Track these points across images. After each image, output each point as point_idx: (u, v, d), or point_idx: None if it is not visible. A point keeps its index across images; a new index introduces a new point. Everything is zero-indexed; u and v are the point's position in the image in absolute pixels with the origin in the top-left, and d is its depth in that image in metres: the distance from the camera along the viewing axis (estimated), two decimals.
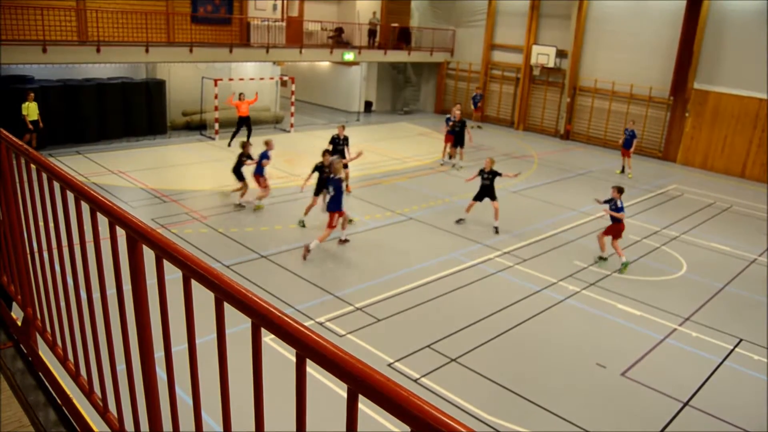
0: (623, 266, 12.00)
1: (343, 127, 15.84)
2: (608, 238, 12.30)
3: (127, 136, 20.36)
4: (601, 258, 12.47)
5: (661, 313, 10.34)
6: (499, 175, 13.69)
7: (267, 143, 14.17)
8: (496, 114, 28.36)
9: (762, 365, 8.91)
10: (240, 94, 19.92)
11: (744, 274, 12.44)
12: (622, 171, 20.43)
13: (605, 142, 24.85)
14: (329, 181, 11.74)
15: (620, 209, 11.99)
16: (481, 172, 13.86)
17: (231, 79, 22.35)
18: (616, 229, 12.14)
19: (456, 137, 19.38)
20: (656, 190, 18.71)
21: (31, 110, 16.86)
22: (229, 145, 20.13)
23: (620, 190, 12.14)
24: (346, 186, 13.83)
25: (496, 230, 13.71)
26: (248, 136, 20.14)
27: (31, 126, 16.89)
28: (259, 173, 14.03)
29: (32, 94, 16.98)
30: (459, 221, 14.08)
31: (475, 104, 26.54)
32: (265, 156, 14.03)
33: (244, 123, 20.22)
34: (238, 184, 14.25)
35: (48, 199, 2.65)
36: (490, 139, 24.83)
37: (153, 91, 20.86)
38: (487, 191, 13.84)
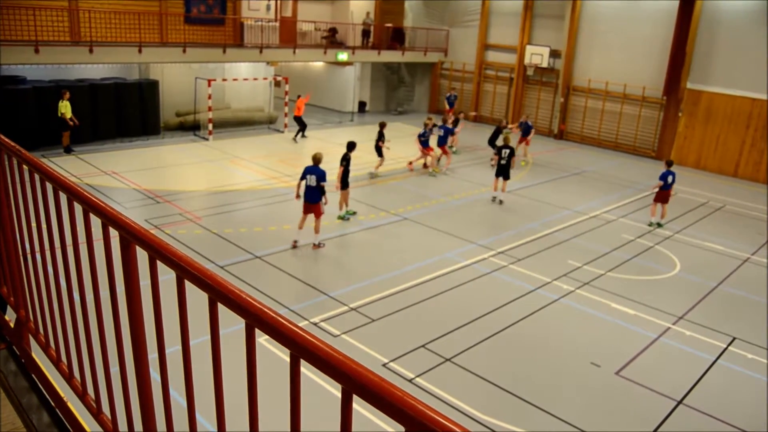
0: (657, 225, 14.84)
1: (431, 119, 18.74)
2: (658, 206, 14.86)
3: (120, 137, 20.29)
4: (658, 224, 14.90)
5: (655, 312, 10.38)
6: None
7: (444, 121, 18.85)
8: (490, 114, 28.41)
9: (755, 363, 8.96)
10: (298, 96, 21.90)
11: (737, 273, 12.51)
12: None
13: (599, 141, 24.94)
14: (308, 171, 11.70)
15: (670, 181, 14.55)
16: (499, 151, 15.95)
17: (225, 80, 22.34)
18: (663, 195, 14.69)
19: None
20: (649, 190, 18.78)
21: (67, 108, 17.41)
22: (295, 140, 22.11)
23: (669, 163, 14.74)
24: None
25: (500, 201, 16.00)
26: (303, 132, 22.11)
27: (71, 123, 17.53)
28: (443, 143, 18.27)
29: (67, 93, 17.52)
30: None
31: (450, 104, 26.47)
32: (450, 131, 18.52)
33: (300, 120, 21.87)
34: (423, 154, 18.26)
35: (41, 201, 2.64)
36: (484, 138, 24.84)
37: (146, 91, 20.79)
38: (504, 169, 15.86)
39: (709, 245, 14.03)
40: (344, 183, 13.53)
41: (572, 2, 24.66)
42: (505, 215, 15.25)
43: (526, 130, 21.26)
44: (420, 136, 18.41)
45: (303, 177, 11.72)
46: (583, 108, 25.44)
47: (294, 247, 11.97)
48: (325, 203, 11.95)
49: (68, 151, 17.85)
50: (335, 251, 12.36)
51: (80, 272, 2.44)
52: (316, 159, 11.82)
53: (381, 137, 17.43)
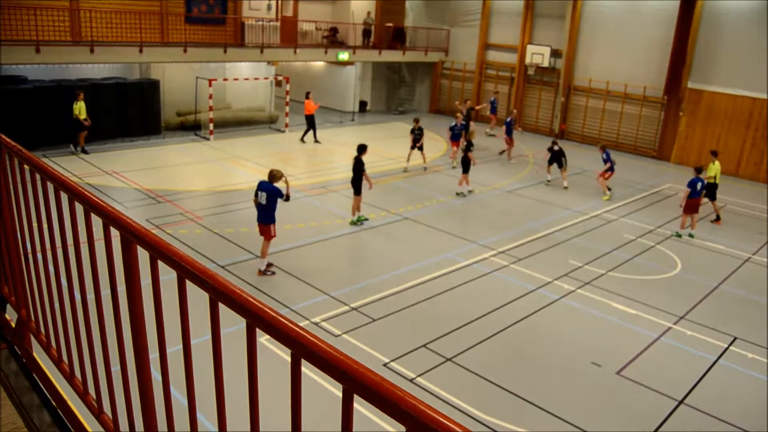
0: (689, 235, 14.28)
1: (419, 120, 18.97)
2: (688, 216, 14.23)
3: (121, 137, 20.30)
4: (689, 235, 14.31)
5: (656, 311, 10.37)
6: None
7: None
8: (490, 113, 28.37)
9: (756, 363, 8.96)
10: (308, 93, 21.92)
11: (738, 273, 12.50)
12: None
13: (600, 141, 24.86)
14: (260, 187, 10.38)
15: (699, 189, 14.00)
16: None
17: (225, 79, 22.35)
18: (692, 204, 13.97)
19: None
20: (650, 189, 18.79)
21: (81, 109, 17.55)
22: (316, 141, 22.00)
23: (698, 170, 14.13)
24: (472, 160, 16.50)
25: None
26: (314, 133, 21.96)
27: (87, 123, 17.71)
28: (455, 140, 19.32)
29: (82, 94, 17.64)
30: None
31: (494, 109, 25.94)
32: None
33: (310, 119, 21.73)
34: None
35: (42, 200, 2.64)
36: (485, 138, 24.87)
37: (147, 91, 20.80)
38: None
39: (709, 245, 14.02)
40: (358, 189, 13.36)
41: (573, 2, 24.64)
42: (505, 215, 15.24)
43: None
44: (451, 128, 19.84)
45: (255, 194, 10.44)
46: (583, 107, 25.43)
47: (271, 274, 10.83)
48: (273, 235, 10.54)
49: (84, 151, 18.07)
50: (336, 251, 12.36)
51: (81, 272, 2.44)
52: (272, 175, 10.27)
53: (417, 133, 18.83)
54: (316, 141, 21.93)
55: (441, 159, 20.74)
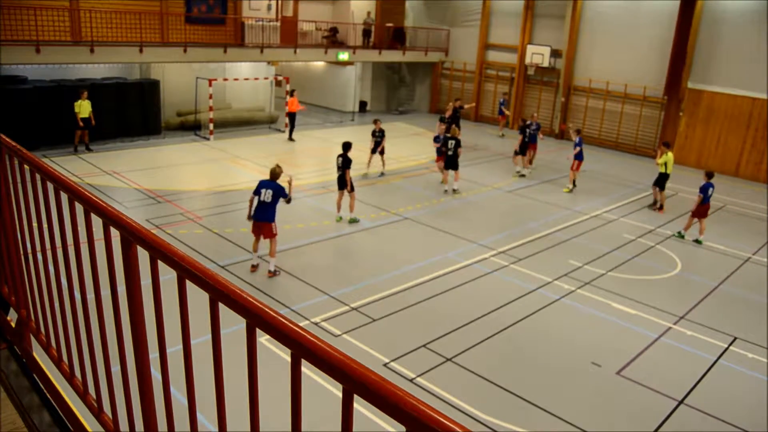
0: (698, 241, 14.06)
1: (379, 121, 17.84)
2: (695, 220, 14.14)
3: (121, 137, 20.30)
4: (680, 234, 14.34)
5: (656, 311, 10.37)
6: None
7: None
8: (491, 113, 28.40)
9: (756, 363, 8.96)
10: (293, 91, 22.05)
11: (738, 273, 12.49)
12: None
13: (600, 141, 24.92)
14: (264, 185, 10.40)
15: (710, 194, 13.96)
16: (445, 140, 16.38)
17: (225, 79, 22.35)
18: (703, 209, 13.94)
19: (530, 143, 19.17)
20: (651, 189, 18.76)
21: (83, 108, 17.63)
22: (290, 139, 22.22)
23: (709, 175, 14.07)
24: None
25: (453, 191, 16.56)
26: (291, 131, 22.09)
27: (82, 123, 17.74)
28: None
29: (85, 93, 17.76)
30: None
31: (501, 111, 25.77)
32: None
33: (293, 117, 22.04)
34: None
35: (42, 200, 2.64)
36: (485, 138, 24.88)
37: (147, 91, 20.80)
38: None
39: (709, 245, 14.02)
40: (351, 186, 13.35)
41: (573, 2, 24.63)
42: (505, 215, 15.24)
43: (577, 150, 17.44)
44: (435, 139, 17.51)
45: (257, 192, 10.34)
46: (584, 108, 25.42)
47: (253, 271, 10.81)
48: (275, 233, 10.58)
49: (77, 149, 18.14)
50: (336, 251, 12.36)
51: (81, 272, 2.44)
52: (274, 173, 10.44)
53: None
54: (291, 139, 22.08)
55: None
